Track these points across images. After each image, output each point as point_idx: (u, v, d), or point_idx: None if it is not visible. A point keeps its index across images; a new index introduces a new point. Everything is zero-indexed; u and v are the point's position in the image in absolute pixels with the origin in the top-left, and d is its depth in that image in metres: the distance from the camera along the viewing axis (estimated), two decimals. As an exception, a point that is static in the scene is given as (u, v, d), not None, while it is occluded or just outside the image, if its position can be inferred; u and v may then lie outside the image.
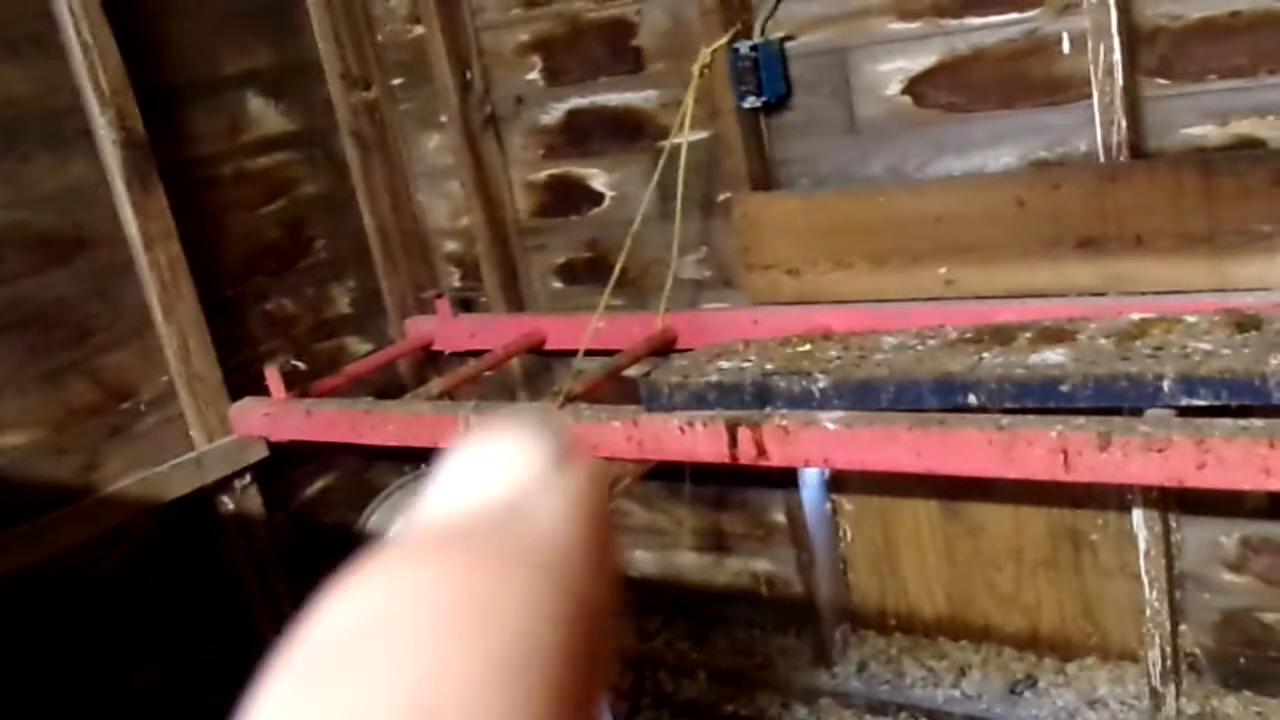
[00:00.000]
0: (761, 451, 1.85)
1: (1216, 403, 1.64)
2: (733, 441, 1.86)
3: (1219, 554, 2.26)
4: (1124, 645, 2.44)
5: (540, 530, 0.28)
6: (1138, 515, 2.20)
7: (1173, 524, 2.26)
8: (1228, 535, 2.25)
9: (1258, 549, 2.24)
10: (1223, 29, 1.96)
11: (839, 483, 2.60)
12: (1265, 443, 1.54)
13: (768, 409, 1.87)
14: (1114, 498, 2.28)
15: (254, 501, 2.54)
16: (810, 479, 2.54)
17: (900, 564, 2.63)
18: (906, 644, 2.67)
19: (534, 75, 2.62)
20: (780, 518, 2.65)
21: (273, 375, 2.42)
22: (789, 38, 2.30)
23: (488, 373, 2.57)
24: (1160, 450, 1.58)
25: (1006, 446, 1.68)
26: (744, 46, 2.27)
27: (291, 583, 2.54)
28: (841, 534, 2.65)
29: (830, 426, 1.79)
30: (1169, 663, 2.30)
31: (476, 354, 2.62)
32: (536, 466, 0.30)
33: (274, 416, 2.42)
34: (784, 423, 1.82)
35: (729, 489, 2.68)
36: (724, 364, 2.02)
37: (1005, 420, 1.70)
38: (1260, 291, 1.87)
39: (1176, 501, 2.22)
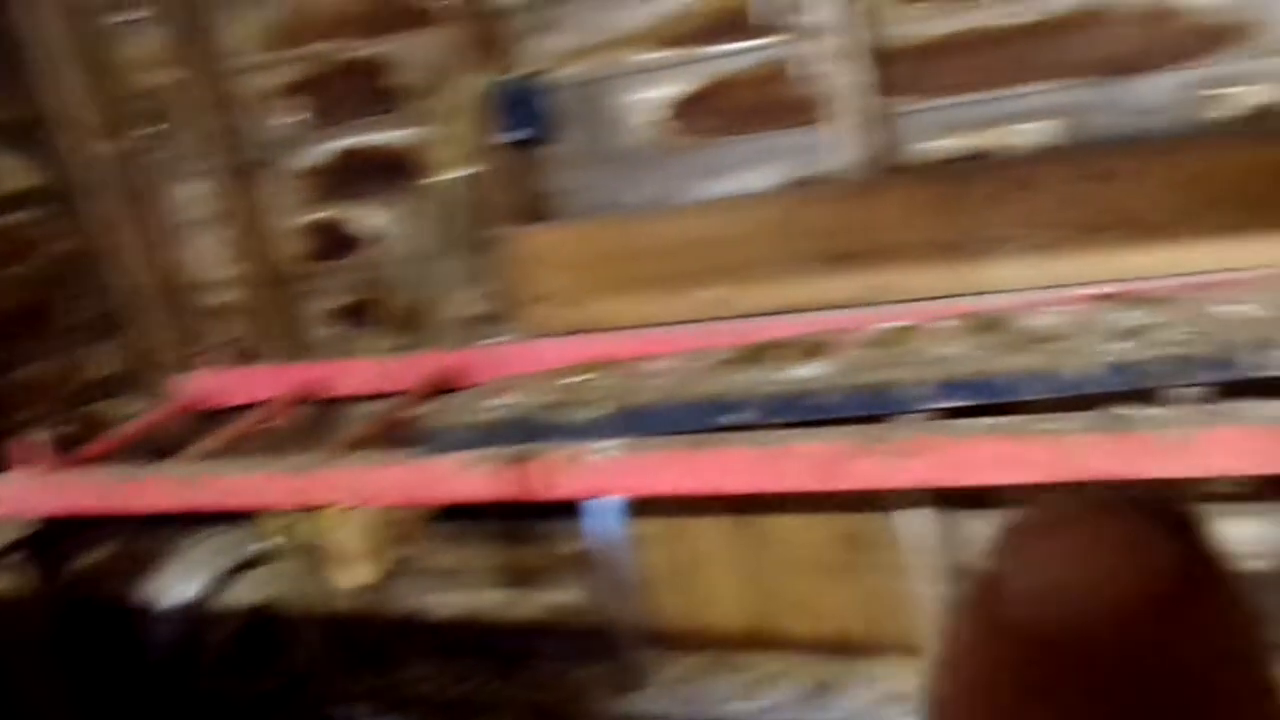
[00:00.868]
0: (539, 486, 1.84)
1: (967, 403, 1.71)
2: (510, 478, 1.84)
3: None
4: (919, 641, 2.51)
5: None
6: (911, 515, 2.28)
7: (954, 518, 2.34)
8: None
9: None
10: (962, 46, 2.05)
11: (634, 506, 2.61)
12: (1011, 440, 1.61)
13: (543, 443, 1.86)
14: (895, 499, 2.35)
15: (22, 578, 2.39)
16: (601, 506, 2.54)
17: (700, 582, 2.65)
18: (712, 660, 2.69)
19: (296, 117, 2.55)
20: (578, 547, 2.64)
21: (31, 445, 2.28)
22: (546, 71, 2.30)
23: (267, 425, 2.49)
24: (915, 454, 1.64)
25: (773, 461, 1.71)
26: (502, 82, 2.26)
27: (65, 660, 2.40)
28: (640, 557, 2.66)
29: (602, 457, 1.79)
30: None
31: (255, 406, 2.53)
32: None
33: (37, 488, 2.29)
34: (558, 456, 1.82)
35: (524, 522, 2.66)
36: (501, 400, 2.01)
37: (770, 436, 1.74)
38: (1002, 293, 1.96)
39: (957, 497, 2.31)
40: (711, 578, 2.63)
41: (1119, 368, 1.62)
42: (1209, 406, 1.56)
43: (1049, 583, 0.67)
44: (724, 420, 1.80)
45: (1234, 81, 1.93)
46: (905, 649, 2.53)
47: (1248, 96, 1.92)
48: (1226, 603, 0.69)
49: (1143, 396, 1.64)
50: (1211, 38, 1.92)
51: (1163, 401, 1.62)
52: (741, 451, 1.73)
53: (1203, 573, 0.68)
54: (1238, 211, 1.88)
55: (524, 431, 1.87)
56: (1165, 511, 0.71)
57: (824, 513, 2.42)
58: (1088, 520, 0.71)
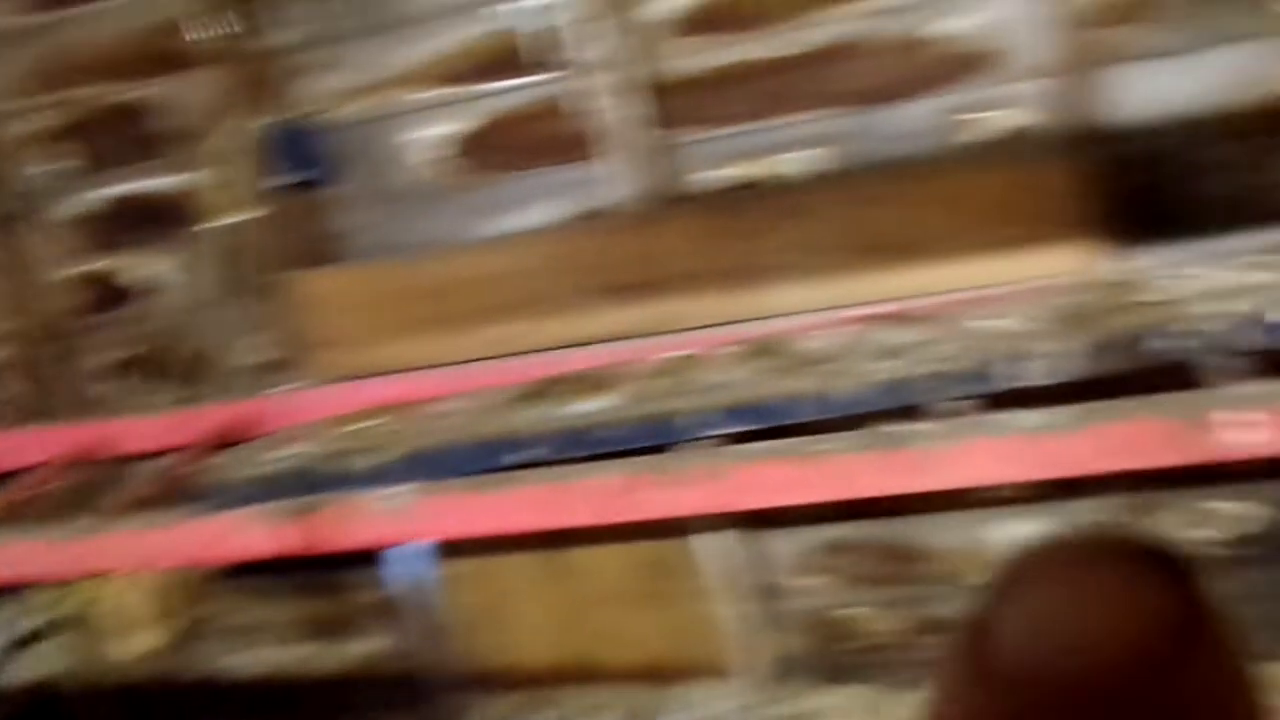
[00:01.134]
0: (325, 538, 1.79)
1: (748, 428, 1.75)
2: (294, 533, 1.79)
3: (799, 560, 2.40)
4: (728, 661, 2.54)
5: None
6: (712, 539, 2.30)
7: (755, 539, 2.38)
8: (806, 541, 2.39)
9: (835, 551, 2.40)
10: (734, 78, 2.10)
11: (439, 547, 2.57)
12: (788, 462, 1.65)
13: (328, 493, 1.81)
14: (695, 524, 2.38)
15: None
16: (405, 550, 2.50)
17: (510, 620, 2.63)
18: (528, 698, 2.66)
19: (61, 165, 2.44)
20: (383, 594, 2.59)
21: None
22: (323, 111, 2.26)
23: (43, 489, 2.36)
24: (697, 482, 1.66)
25: (561, 497, 1.71)
26: (277, 123, 2.21)
27: None
28: (448, 599, 2.62)
29: (389, 503, 1.76)
30: (769, 669, 2.42)
31: (30, 470, 2.40)
32: None
33: None
34: (343, 506, 1.78)
35: (326, 572, 2.59)
36: (285, 451, 1.96)
37: (558, 472, 1.74)
38: (781, 317, 2.00)
39: (757, 518, 2.35)
40: (521, 615, 2.61)
41: (887, 386, 1.68)
42: (969, 419, 1.62)
43: (1040, 631, 0.66)
44: (513, 459, 1.79)
45: (985, 106, 2.02)
46: (716, 672, 2.55)
47: (999, 120, 2.02)
48: (1222, 655, 0.68)
49: (911, 412, 1.70)
50: (962, 66, 2.02)
51: (929, 416, 1.68)
52: (529, 489, 1.73)
53: (1198, 623, 0.67)
54: (995, 229, 1.97)
55: (308, 483, 1.82)
56: (1160, 558, 0.70)
57: (627, 542, 2.43)
58: (1082, 567, 0.71)
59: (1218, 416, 1.50)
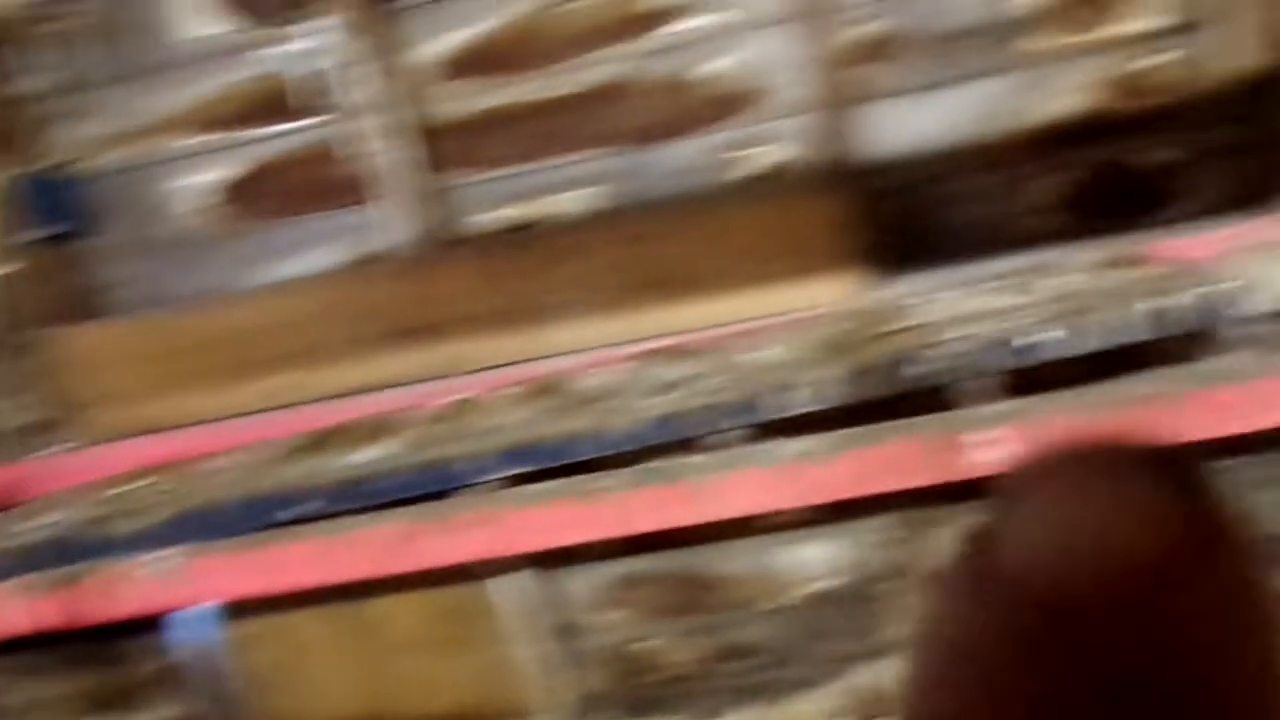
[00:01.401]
0: (90, 609, 1.71)
1: (528, 469, 1.74)
2: (55, 606, 1.70)
3: (595, 597, 2.40)
4: (532, 702, 2.52)
5: None
6: (506, 581, 2.29)
7: (551, 578, 2.37)
8: (601, 578, 2.39)
9: (631, 585, 2.41)
10: (506, 119, 2.11)
11: (227, 607, 2.48)
12: (566, 502, 1.65)
13: (92, 561, 1.73)
14: (488, 567, 2.36)
15: None
16: (189, 613, 2.40)
17: (308, 677, 2.55)
18: (328, 757, 2.59)
19: None
20: (169, 660, 2.48)
21: None
22: (80, 160, 2.17)
23: None
24: (476, 526, 1.65)
25: (338, 550, 1.67)
26: (29, 174, 2.11)
27: None
28: (239, 661, 2.52)
29: (157, 568, 1.69)
30: (573, 707, 2.41)
31: None
32: None
33: None
34: (107, 574, 1.70)
35: (104, 643, 2.46)
36: (44, 519, 1.86)
37: (335, 525, 1.70)
38: (561, 356, 2.02)
39: (551, 557, 2.34)
40: (319, 672, 2.54)
41: (661, 421, 1.70)
42: (739, 450, 1.66)
43: (1047, 541, 0.63)
44: (287, 514, 1.75)
45: (751, 144, 2.09)
46: (520, 714, 2.53)
47: (764, 156, 2.09)
48: (1236, 563, 0.65)
49: (686, 445, 1.73)
50: (727, 105, 2.07)
51: (703, 449, 1.71)
52: (304, 544, 1.68)
53: (1211, 531, 0.64)
54: (763, 263, 2.03)
55: (67, 552, 1.73)
56: (1172, 466, 0.67)
57: (422, 590, 2.39)
58: (1090, 476, 0.67)
59: (969, 436, 1.57)
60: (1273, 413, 1.53)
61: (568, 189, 2.13)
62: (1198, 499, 0.65)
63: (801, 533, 2.32)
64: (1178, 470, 0.66)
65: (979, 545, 0.67)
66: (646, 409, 1.74)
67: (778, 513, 2.02)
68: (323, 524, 1.73)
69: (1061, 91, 2.03)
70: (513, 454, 1.75)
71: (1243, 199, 2.03)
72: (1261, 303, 1.75)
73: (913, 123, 2.06)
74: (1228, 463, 2.23)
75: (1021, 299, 1.87)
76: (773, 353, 1.85)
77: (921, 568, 2.32)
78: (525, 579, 2.31)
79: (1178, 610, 0.61)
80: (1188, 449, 0.67)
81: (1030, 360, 1.76)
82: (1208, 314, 1.74)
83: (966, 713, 0.64)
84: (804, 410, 1.74)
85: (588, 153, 2.11)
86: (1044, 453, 0.69)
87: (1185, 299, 1.75)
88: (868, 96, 2.04)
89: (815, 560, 2.37)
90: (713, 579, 2.38)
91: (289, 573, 1.69)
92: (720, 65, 2.05)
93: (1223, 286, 1.74)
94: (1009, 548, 0.64)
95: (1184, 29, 1.98)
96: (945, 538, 2.32)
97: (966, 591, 0.66)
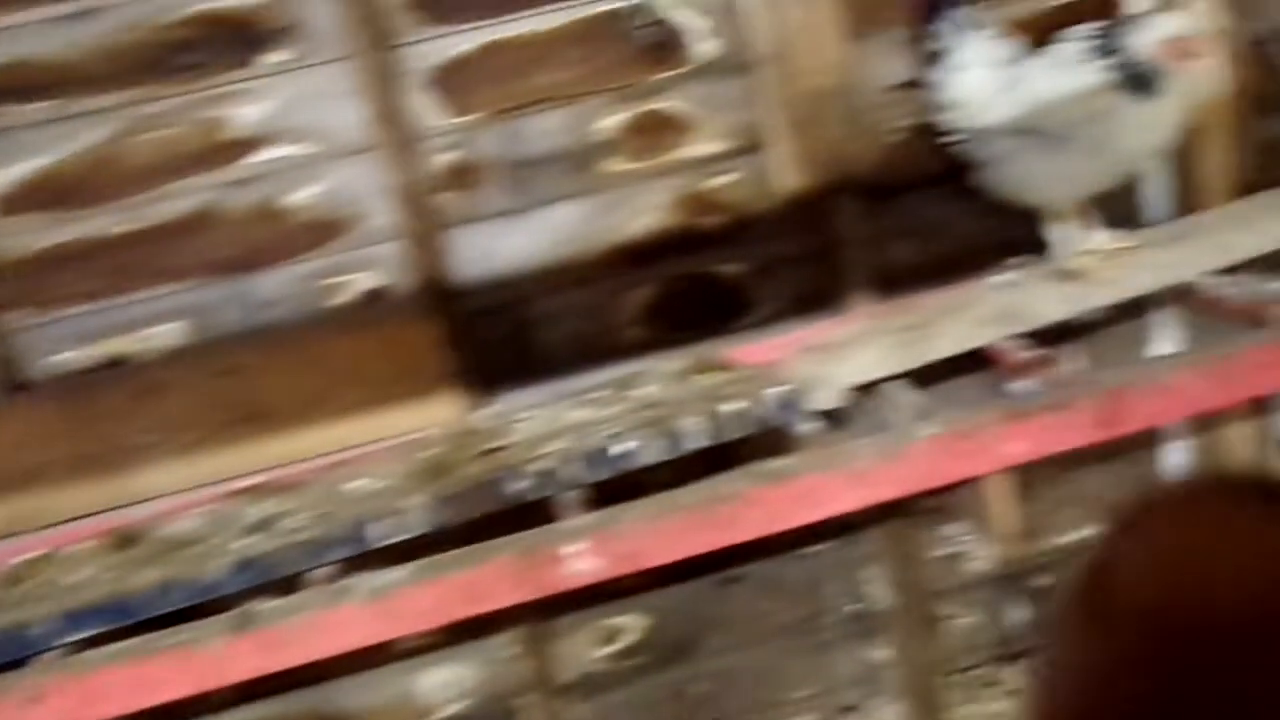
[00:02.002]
0: None
1: (99, 630, 1.63)
2: None
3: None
4: None
5: None
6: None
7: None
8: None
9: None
10: (79, 255, 1.99)
11: None
12: (143, 661, 1.54)
13: None
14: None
15: None
16: None
17: None
18: None
19: None
20: None
21: None
22: None
23: None
24: (44, 697, 1.51)
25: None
26: None
27: None
28: None
29: None
30: None
31: None
32: None
33: None
34: None
35: None
36: None
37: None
38: (149, 501, 1.91)
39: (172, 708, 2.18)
40: None
41: (248, 564, 1.64)
42: (333, 586, 1.62)
43: (1164, 570, 0.63)
44: None
45: (345, 270, 2.07)
46: None
47: (358, 283, 2.08)
48: None
49: (284, 584, 1.67)
50: (320, 232, 2.05)
51: (300, 587, 1.65)
52: None
53: None
54: (361, 390, 2.01)
55: None
56: None
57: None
58: (1202, 506, 0.67)
59: (565, 548, 1.60)
60: (833, 504, 1.65)
61: (154, 324, 2.03)
62: None
63: (429, 657, 2.29)
64: None
65: (1094, 575, 0.68)
66: (234, 553, 1.67)
67: (398, 640, 1.98)
68: None
69: (641, 211, 2.15)
70: (95, 611, 1.63)
71: (809, 303, 2.21)
72: (824, 400, 1.90)
73: (504, 245, 2.12)
74: (816, 548, 2.40)
75: (614, 409, 1.94)
76: (371, 481, 1.82)
77: (550, 679, 2.34)
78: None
79: None
80: None
81: (625, 468, 1.82)
82: (781, 413, 1.87)
83: None
84: (403, 538, 1.72)
85: (174, 285, 2.03)
86: (1156, 486, 0.72)
87: (761, 400, 1.87)
88: (459, 221, 2.08)
89: (444, 683, 2.33)
90: (352, 714, 2.30)
91: None
92: (308, 194, 2.03)
93: (791, 387, 1.88)
94: (1125, 577, 0.65)
95: (745, 151, 2.15)
96: (569, 647, 2.35)
97: (1082, 621, 0.67)
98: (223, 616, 1.59)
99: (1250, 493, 0.69)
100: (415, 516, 1.72)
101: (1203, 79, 1.94)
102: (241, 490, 1.85)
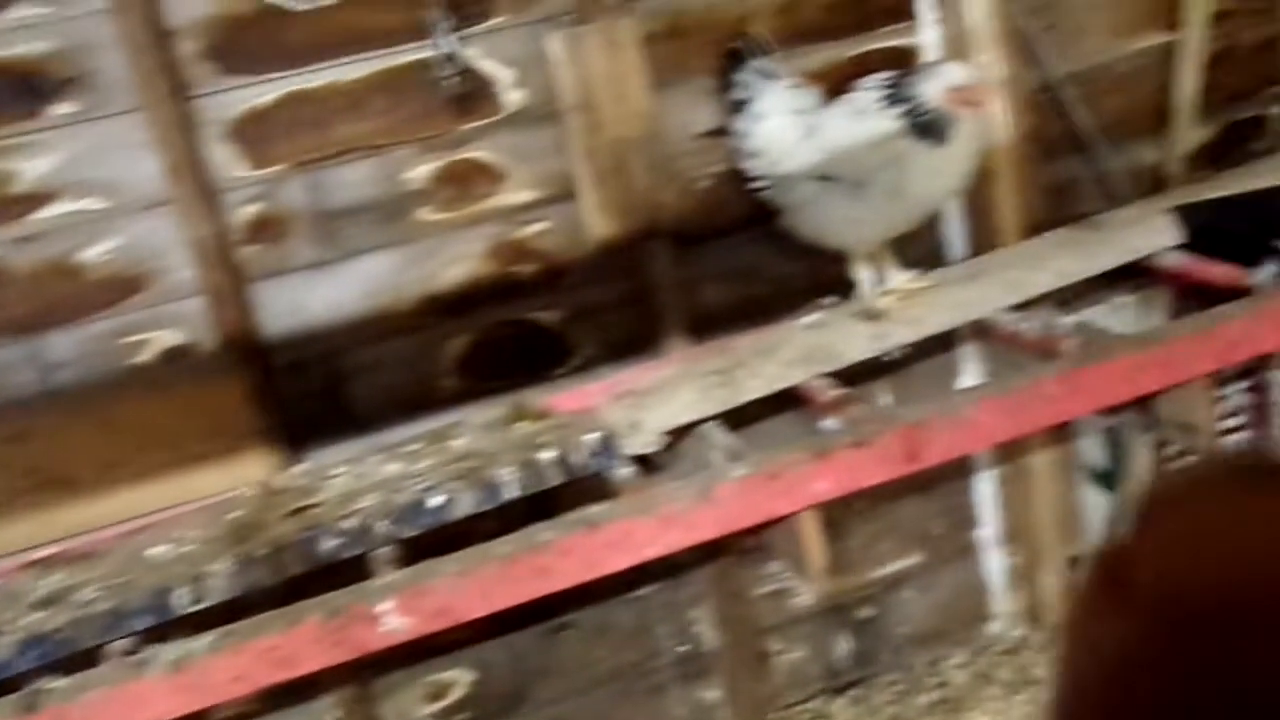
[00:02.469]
0: None
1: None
2: None
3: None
4: None
5: None
6: None
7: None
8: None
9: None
10: None
11: None
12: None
13: None
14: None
15: None
16: None
17: None
18: None
19: None
20: None
21: None
22: None
23: None
24: None
25: None
26: None
27: None
28: None
29: None
30: None
31: None
32: None
33: None
34: None
35: None
36: None
37: None
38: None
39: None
40: None
41: (37, 640, 1.55)
42: (134, 658, 1.54)
43: (1187, 554, 0.62)
44: None
45: (144, 328, 2.00)
46: None
47: (159, 340, 2.00)
48: None
49: (84, 659, 1.59)
50: (117, 289, 1.97)
51: (99, 660, 1.58)
52: None
53: None
54: (165, 451, 1.94)
55: None
56: None
57: None
58: (1222, 490, 0.67)
59: (371, 608, 1.56)
60: (647, 548, 1.66)
61: (-65, 390, 1.92)
62: None
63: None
64: None
65: (1117, 562, 0.68)
66: (26, 628, 1.58)
67: (211, 711, 1.90)
68: None
69: (454, 260, 2.14)
70: None
71: (625, 348, 2.23)
72: (640, 445, 1.92)
73: (314, 297, 2.07)
74: (644, 591, 2.40)
75: (429, 462, 1.92)
76: (174, 546, 1.76)
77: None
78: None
79: None
80: None
81: (440, 521, 1.80)
82: (597, 459, 1.87)
83: None
84: (209, 604, 1.66)
85: (-42, 348, 1.93)
86: (1176, 473, 0.71)
87: (578, 447, 1.87)
88: (265, 274, 2.03)
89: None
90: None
91: None
92: (102, 249, 1.95)
93: (607, 433, 1.88)
94: (1149, 562, 0.65)
95: (556, 200, 2.16)
96: (395, 705, 2.30)
97: (1102, 609, 0.67)
98: (10, 698, 1.50)
99: (1263, 474, 0.71)
100: (221, 581, 1.66)
101: (987, 126, 2.04)
102: (32, 562, 1.76)
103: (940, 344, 2.33)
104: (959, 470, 2.61)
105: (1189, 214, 2.24)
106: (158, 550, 1.75)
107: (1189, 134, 2.54)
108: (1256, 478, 0.71)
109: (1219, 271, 2.13)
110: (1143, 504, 0.72)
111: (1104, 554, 0.71)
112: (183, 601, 1.64)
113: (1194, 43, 2.51)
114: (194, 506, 1.89)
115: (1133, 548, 0.69)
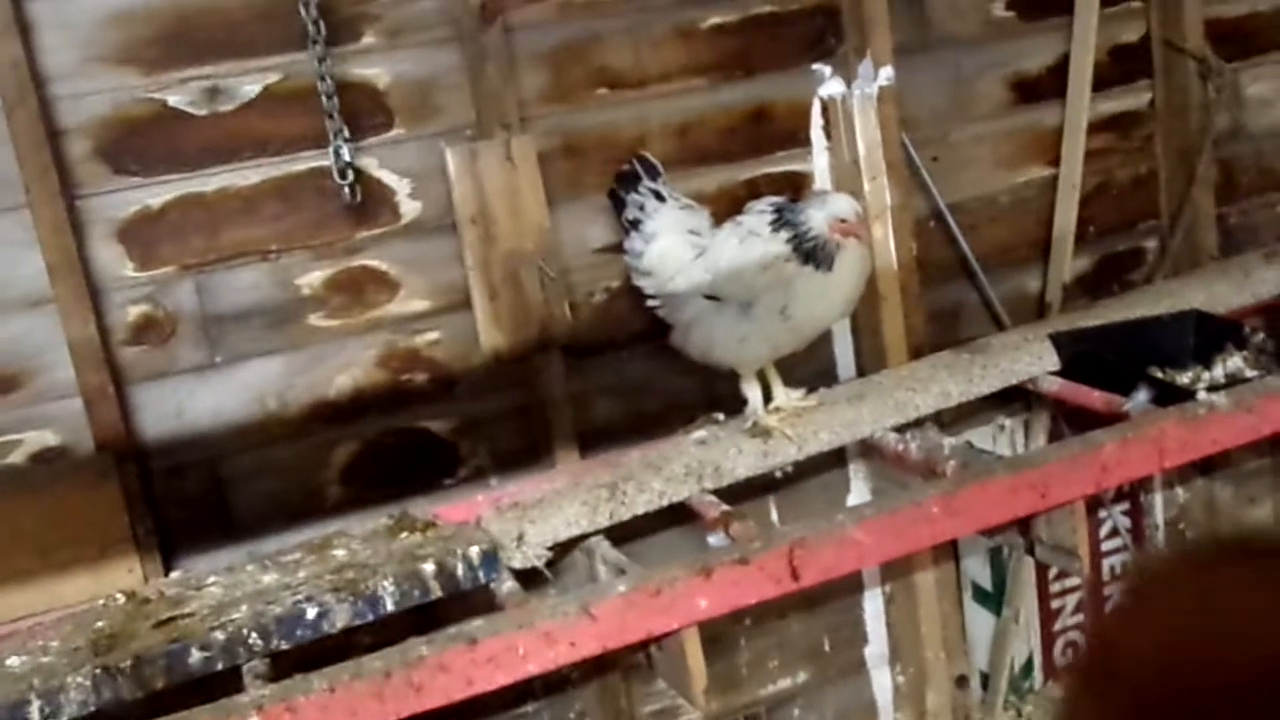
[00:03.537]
0: None
1: None
2: None
3: None
4: None
5: None
6: None
7: None
8: None
9: None
10: None
11: None
12: None
13: None
14: None
15: None
16: None
17: None
18: None
19: None
20: None
21: None
22: None
23: None
24: None
25: None
26: None
27: None
28: None
29: None
30: None
31: None
32: None
33: None
34: None
35: None
36: None
37: None
38: None
39: None
40: None
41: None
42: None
43: (1171, 638, 0.62)
44: None
45: (17, 428, 1.94)
46: None
47: (31, 441, 1.95)
48: None
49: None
50: (-10, 387, 1.92)
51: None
52: None
53: None
54: (30, 556, 1.87)
55: None
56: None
57: None
58: (1205, 572, 0.66)
59: (248, 722, 1.51)
60: (526, 665, 1.63)
61: None
62: None
63: None
64: None
65: (1102, 647, 0.68)
66: None
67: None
68: None
69: (344, 367, 2.12)
70: None
71: (514, 459, 2.22)
72: (524, 558, 1.90)
73: (197, 402, 2.04)
74: (528, 708, 2.36)
75: (309, 571, 1.87)
76: (35, 656, 1.68)
77: None
78: None
79: None
80: None
81: (316, 634, 1.75)
82: (480, 572, 1.85)
83: None
84: (68, 718, 1.59)
85: None
86: (1160, 555, 0.70)
87: (462, 559, 1.84)
88: (147, 376, 2.00)
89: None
90: None
91: None
92: (-24, 346, 1.91)
93: (491, 546, 1.86)
94: (1133, 648, 0.65)
95: (450, 310, 2.17)
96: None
97: (1087, 698, 0.66)
98: None
99: (1241, 555, 0.72)
100: (79, 694, 1.60)
101: (867, 255, 2.10)
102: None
103: (830, 460, 2.36)
104: (847, 587, 2.62)
105: (1067, 341, 2.32)
106: (15, 661, 1.67)
107: (1069, 264, 2.65)
108: (1243, 559, 0.72)
109: (1095, 397, 2.20)
110: (1128, 587, 0.77)
111: (1087, 644, 0.76)
112: (35, 716, 1.57)
113: (1073, 177, 2.62)
114: (59, 615, 1.82)
115: (1117, 631, 0.70)
